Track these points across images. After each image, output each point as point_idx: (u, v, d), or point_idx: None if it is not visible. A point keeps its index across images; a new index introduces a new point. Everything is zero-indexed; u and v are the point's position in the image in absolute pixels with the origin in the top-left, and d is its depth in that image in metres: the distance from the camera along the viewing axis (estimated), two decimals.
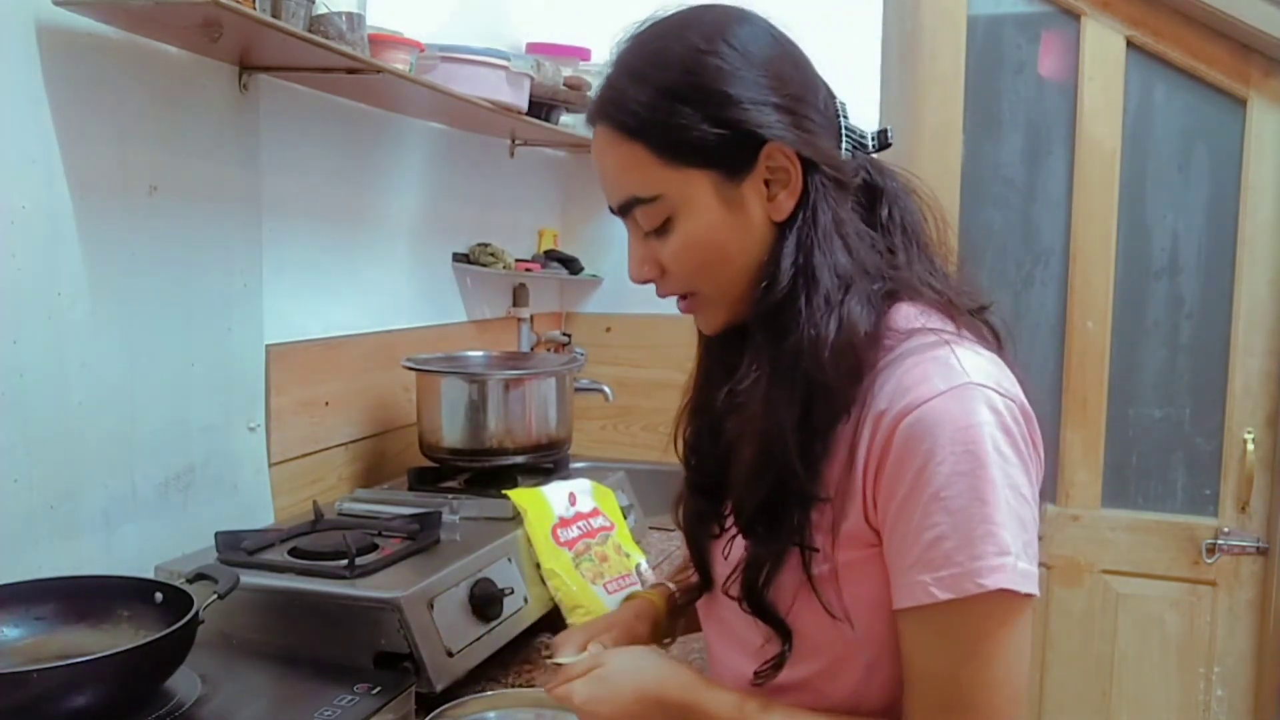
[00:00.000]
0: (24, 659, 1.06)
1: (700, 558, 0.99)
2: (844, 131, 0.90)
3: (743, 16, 0.88)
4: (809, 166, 0.85)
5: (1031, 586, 0.77)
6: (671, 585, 1.13)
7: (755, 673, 0.89)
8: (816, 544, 0.84)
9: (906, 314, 0.86)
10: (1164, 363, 2.35)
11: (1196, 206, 2.32)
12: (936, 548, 0.77)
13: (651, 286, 0.94)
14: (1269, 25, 2.15)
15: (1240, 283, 2.27)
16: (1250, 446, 2.27)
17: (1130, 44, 2.29)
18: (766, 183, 0.86)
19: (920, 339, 0.83)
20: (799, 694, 0.88)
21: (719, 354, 0.97)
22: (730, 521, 0.93)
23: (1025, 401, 0.82)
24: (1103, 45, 2.31)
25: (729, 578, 0.90)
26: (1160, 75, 2.30)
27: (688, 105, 0.84)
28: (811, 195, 0.86)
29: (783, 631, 0.87)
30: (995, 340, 0.89)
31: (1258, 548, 2.28)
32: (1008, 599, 0.77)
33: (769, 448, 0.83)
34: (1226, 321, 2.29)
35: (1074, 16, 2.33)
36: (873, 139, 0.93)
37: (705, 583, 0.99)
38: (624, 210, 0.90)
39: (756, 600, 0.87)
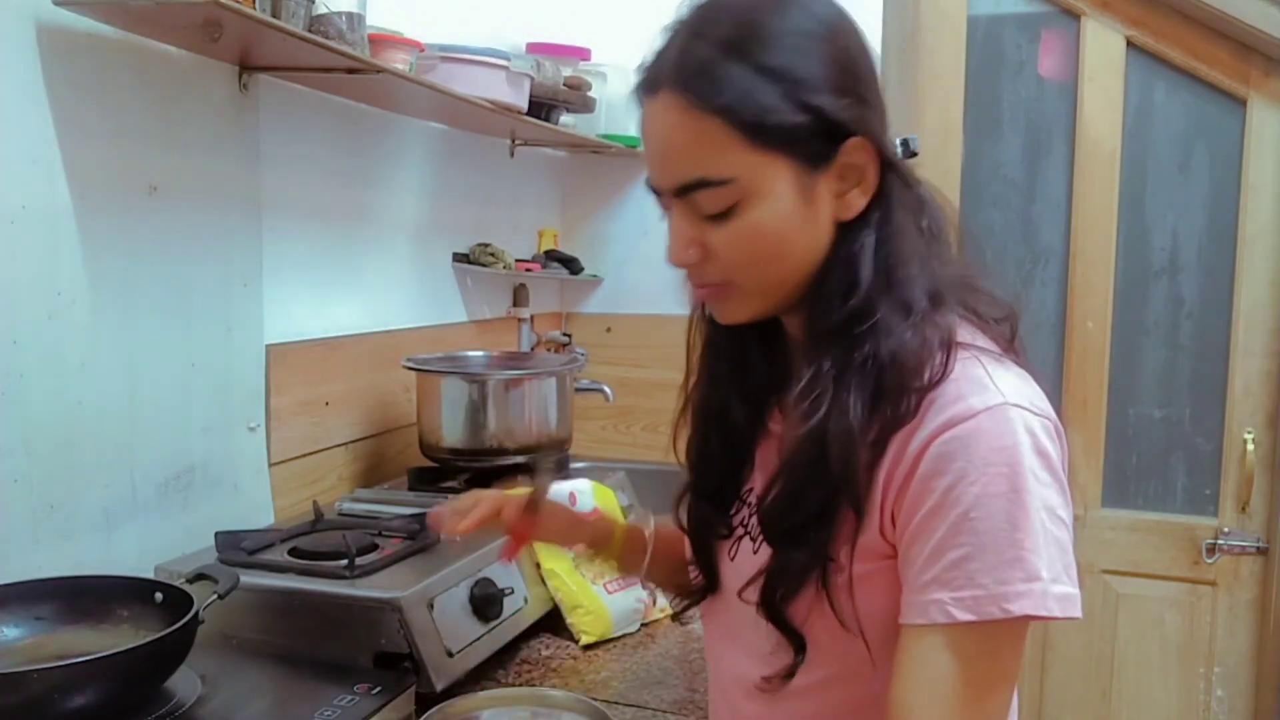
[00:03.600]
0: (24, 659, 1.06)
1: (705, 559, 0.97)
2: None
3: (829, 4, 0.83)
4: (886, 167, 0.82)
5: (1071, 610, 0.75)
6: (647, 530, 1.09)
7: (765, 678, 0.87)
8: (838, 556, 0.81)
9: (959, 329, 0.83)
10: (1164, 363, 2.35)
11: (1196, 206, 2.32)
12: (960, 568, 0.74)
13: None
14: (1269, 25, 2.15)
15: (1240, 283, 2.27)
16: (1250, 446, 2.27)
17: (1130, 44, 2.29)
18: (845, 178, 0.81)
19: (959, 356, 0.80)
20: (803, 700, 0.87)
21: (728, 351, 0.94)
22: (738, 524, 0.91)
23: (1057, 419, 0.80)
24: (1103, 45, 2.31)
25: (747, 584, 0.87)
26: (1160, 75, 2.30)
27: (780, 85, 0.77)
28: (889, 197, 0.82)
29: (797, 641, 0.85)
30: (1019, 350, 0.86)
31: (1258, 548, 2.28)
32: (1024, 625, 0.75)
33: (833, 454, 0.79)
34: (1226, 321, 2.29)
35: (1074, 16, 2.33)
36: (901, 145, 0.92)
37: (711, 584, 0.98)
38: (684, 191, 0.81)
39: (776, 609, 0.85)
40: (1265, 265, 2.25)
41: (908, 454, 0.78)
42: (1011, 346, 0.86)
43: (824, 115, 0.78)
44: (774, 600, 0.84)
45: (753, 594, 0.86)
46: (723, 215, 0.80)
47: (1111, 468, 2.38)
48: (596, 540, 1.08)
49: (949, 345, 0.80)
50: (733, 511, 0.93)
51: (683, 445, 0.98)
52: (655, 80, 0.81)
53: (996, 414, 0.76)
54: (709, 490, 0.96)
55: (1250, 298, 2.26)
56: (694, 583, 1.01)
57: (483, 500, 1.02)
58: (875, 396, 0.79)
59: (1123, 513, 2.38)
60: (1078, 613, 0.75)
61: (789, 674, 0.85)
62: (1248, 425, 2.28)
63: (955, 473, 0.75)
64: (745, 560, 0.89)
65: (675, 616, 1.09)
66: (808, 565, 0.82)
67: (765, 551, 0.86)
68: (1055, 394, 2.55)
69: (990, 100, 2.42)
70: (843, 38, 0.82)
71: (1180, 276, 2.34)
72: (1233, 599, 2.32)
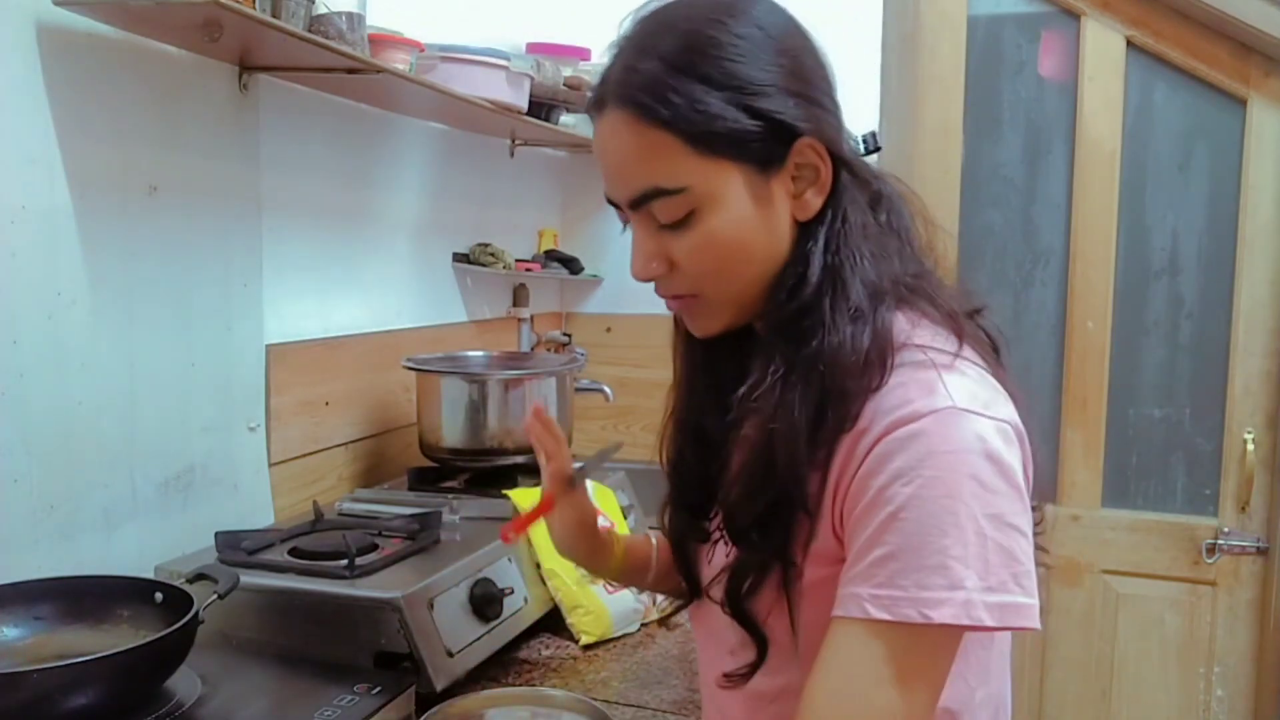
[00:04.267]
0: (24, 659, 1.06)
1: (687, 565, 0.98)
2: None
3: (773, 7, 0.84)
4: (838, 165, 0.82)
5: (1014, 619, 0.73)
6: (653, 540, 1.09)
7: (725, 674, 0.87)
8: (797, 559, 0.81)
9: (900, 327, 0.81)
10: (1164, 363, 2.35)
11: (1196, 206, 2.32)
12: (883, 566, 0.73)
13: (653, 287, 0.91)
14: (1269, 25, 2.15)
15: (1240, 283, 2.27)
16: (1250, 446, 2.27)
17: (1130, 44, 2.29)
18: (798, 179, 0.81)
19: (909, 356, 0.79)
20: (782, 703, 0.85)
21: (702, 360, 0.94)
22: (715, 528, 0.91)
23: (1018, 422, 0.78)
24: (1103, 45, 2.31)
25: (712, 581, 0.89)
26: (1160, 75, 2.30)
27: (723, 92, 0.78)
28: (841, 195, 0.82)
29: (758, 637, 0.85)
30: (991, 347, 0.86)
31: (1258, 548, 2.28)
32: (952, 633, 0.73)
33: (779, 453, 0.79)
34: (1226, 321, 2.29)
35: (1074, 16, 2.33)
36: (863, 141, 0.91)
37: (694, 590, 0.97)
38: (639, 202, 0.82)
39: (737, 605, 0.85)
40: (1265, 265, 2.25)
41: (855, 457, 0.77)
42: (983, 343, 0.85)
43: (770, 118, 0.79)
44: (736, 596, 0.85)
45: (717, 591, 0.87)
46: (680, 225, 0.81)
47: (1111, 468, 2.38)
48: (599, 550, 1.07)
49: (895, 346, 0.79)
50: (711, 515, 0.93)
51: (666, 458, 0.99)
52: (602, 98, 0.82)
53: (942, 417, 0.74)
54: (687, 497, 0.96)
55: (1250, 298, 2.26)
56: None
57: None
58: (820, 396, 0.79)
59: (1123, 513, 2.38)
60: (1026, 623, 0.73)
61: (750, 671, 0.86)
62: (1248, 425, 2.28)
63: (891, 472, 0.74)
64: (719, 562, 0.89)
65: (662, 621, 1.09)
66: (765, 564, 0.82)
67: (734, 553, 0.87)
68: (1055, 394, 2.55)
69: (990, 100, 2.42)
70: (787, 40, 0.82)
71: (1180, 276, 2.34)
72: (1233, 599, 2.32)
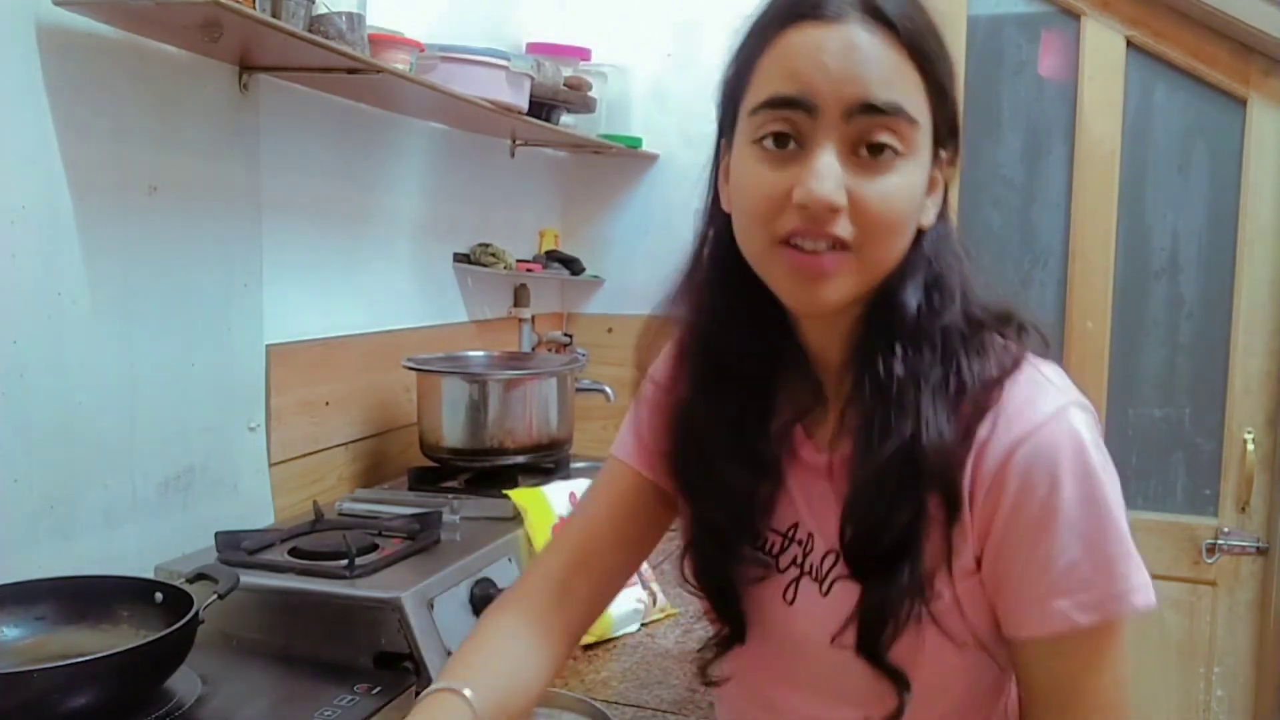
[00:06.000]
0: (24, 659, 1.06)
1: (732, 607, 0.89)
2: None
3: None
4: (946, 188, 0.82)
5: (1149, 600, 0.76)
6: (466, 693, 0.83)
7: None
8: (934, 582, 0.79)
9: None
10: (1164, 363, 2.35)
11: (1196, 206, 2.31)
12: (1073, 574, 0.75)
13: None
14: (1269, 25, 2.15)
15: (1240, 283, 2.27)
16: (1250, 446, 2.27)
17: (1130, 44, 2.29)
18: (935, 180, 0.80)
19: (1009, 363, 0.80)
20: None
21: (751, 374, 0.87)
22: (788, 564, 0.86)
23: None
24: (1103, 45, 2.31)
25: (841, 629, 0.81)
26: (1160, 75, 2.30)
27: (946, 75, 0.79)
28: (948, 215, 0.83)
29: (902, 682, 0.80)
30: (1045, 343, 0.84)
31: (1258, 548, 2.28)
32: (1119, 626, 0.77)
33: (933, 471, 0.76)
34: (1226, 321, 2.29)
35: (1074, 16, 2.33)
36: None
37: (738, 633, 0.90)
38: (872, 110, 0.74)
39: (876, 652, 0.80)
40: (1265, 265, 2.25)
41: (985, 466, 0.76)
42: (1039, 343, 0.84)
43: (955, 116, 0.80)
44: (875, 643, 0.80)
45: (848, 639, 0.81)
46: (882, 159, 0.75)
47: None
48: None
49: (1014, 358, 0.80)
50: (775, 551, 0.88)
51: (695, 474, 0.90)
52: (880, 11, 0.76)
53: (1065, 415, 0.76)
54: (733, 529, 0.88)
55: (1250, 298, 2.26)
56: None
57: None
58: (954, 408, 0.77)
59: None
60: (1153, 602, 0.77)
61: (896, 716, 0.81)
62: (1248, 425, 2.28)
63: (1048, 483, 0.74)
64: (814, 603, 0.84)
65: (706, 682, 0.95)
66: (903, 597, 0.78)
67: (841, 592, 0.82)
68: None
69: (990, 100, 2.42)
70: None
71: (1180, 276, 2.34)
72: (1233, 599, 2.32)
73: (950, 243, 0.82)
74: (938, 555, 0.78)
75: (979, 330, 0.80)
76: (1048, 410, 0.76)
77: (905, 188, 0.76)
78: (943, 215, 0.82)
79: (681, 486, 0.91)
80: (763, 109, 0.76)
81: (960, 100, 0.82)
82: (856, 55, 0.74)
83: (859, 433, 0.80)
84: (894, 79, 0.75)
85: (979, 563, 0.79)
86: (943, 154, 0.80)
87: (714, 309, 0.89)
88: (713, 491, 0.88)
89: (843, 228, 0.75)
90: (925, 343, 0.79)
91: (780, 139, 0.76)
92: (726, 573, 0.89)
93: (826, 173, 0.74)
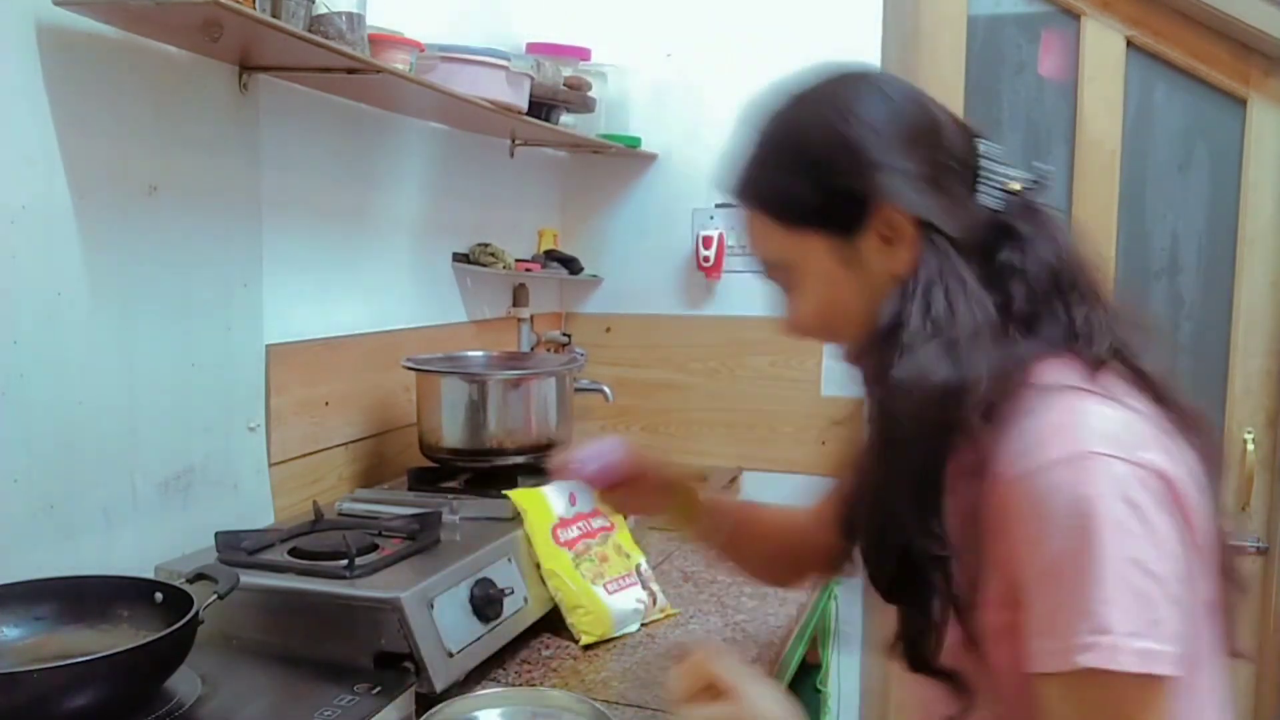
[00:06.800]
0: (24, 659, 1.06)
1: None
2: (987, 175, 0.91)
3: (857, 80, 0.92)
4: (921, 223, 0.86)
5: (1152, 665, 0.73)
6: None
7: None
8: (964, 601, 0.83)
9: (1047, 368, 0.84)
10: (1164, 363, 2.34)
11: (1196, 206, 2.32)
12: (1050, 619, 0.77)
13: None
14: (1269, 25, 2.15)
15: (1240, 283, 2.27)
16: (1250, 446, 2.27)
17: (1130, 44, 2.29)
18: (885, 239, 0.87)
19: (1050, 397, 0.81)
20: None
21: None
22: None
23: (1167, 466, 0.78)
24: (1103, 45, 2.31)
25: (892, 645, 0.88)
26: (1160, 75, 2.30)
27: (797, 174, 0.89)
28: (929, 248, 0.86)
29: (958, 686, 0.85)
30: (1149, 385, 0.87)
31: (1258, 548, 2.28)
32: (1141, 681, 0.74)
33: (882, 504, 0.85)
34: (1226, 321, 2.29)
35: (1074, 16, 2.33)
36: (1028, 181, 0.93)
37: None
38: (763, 273, 0.97)
39: (925, 667, 0.86)
40: (1265, 265, 2.25)
41: (996, 497, 0.80)
42: (1134, 382, 0.86)
43: (844, 191, 0.87)
44: (918, 657, 0.86)
45: (898, 655, 0.88)
46: (791, 290, 0.94)
47: None
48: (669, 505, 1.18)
49: (1027, 385, 0.82)
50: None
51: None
52: (729, 191, 0.96)
53: (1077, 463, 0.76)
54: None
55: (1250, 298, 2.26)
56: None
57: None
58: (895, 439, 0.84)
59: None
60: (1162, 669, 0.74)
61: (962, 715, 0.86)
62: (1248, 425, 2.28)
63: (1037, 525, 0.77)
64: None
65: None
66: (932, 618, 0.83)
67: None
68: None
69: (990, 100, 2.42)
70: (866, 112, 0.88)
71: (1180, 276, 2.34)
72: None
73: (933, 279, 0.86)
74: (966, 577, 0.82)
75: (983, 361, 0.82)
76: (1054, 454, 0.77)
77: (812, 293, 0.92)
78: (922, 257, 0.87)
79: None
80: None
81: (850, 162, 0.88)
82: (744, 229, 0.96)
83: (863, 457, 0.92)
84: (753, 239, 0.95)
85: (1007, 592, 0.81)
86: (876, 213, 0.87)
87: None
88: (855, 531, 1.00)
89: (815, 340, 0.98)
90: (878, 382, 0.87)
91: None
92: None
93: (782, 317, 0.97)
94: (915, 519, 0.82)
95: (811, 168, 0.88)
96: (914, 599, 0.84)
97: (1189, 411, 0.87)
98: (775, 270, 0.94)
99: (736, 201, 0.95)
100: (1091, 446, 0.77)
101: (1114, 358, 0.87)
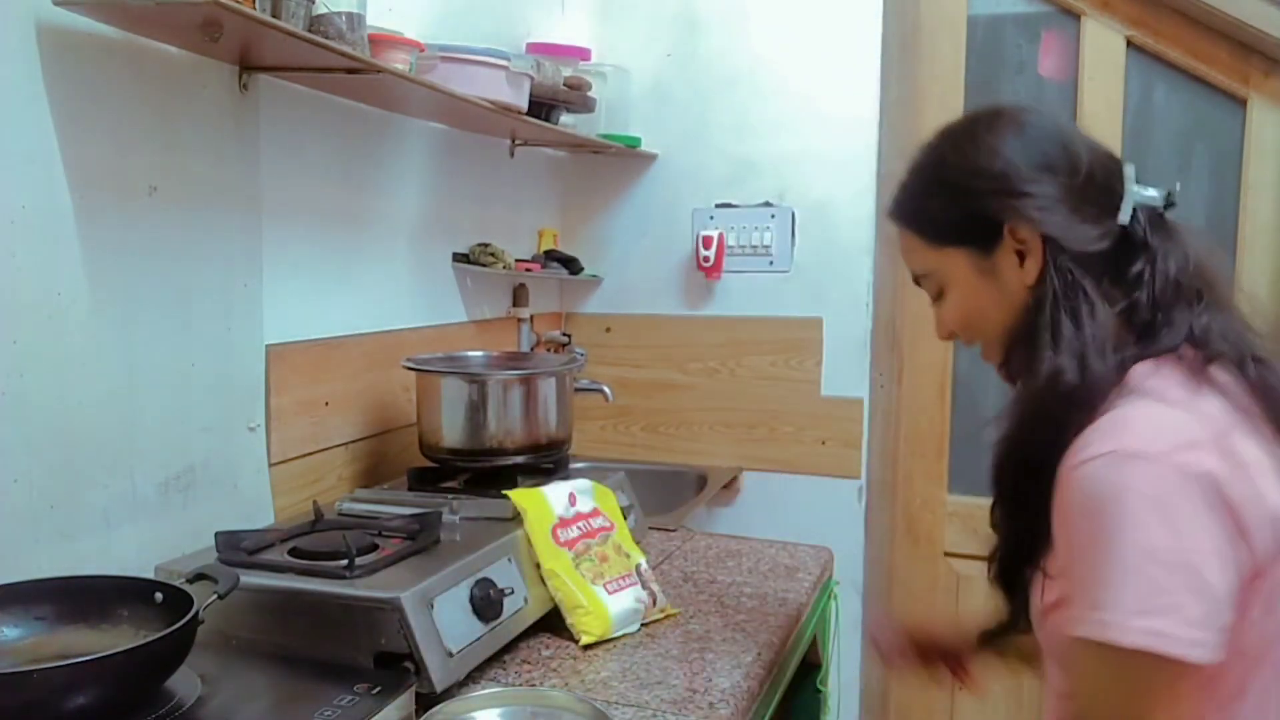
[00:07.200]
0: (24, 659, 1.06)
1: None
2: (1127, 196, 1.01)
3: (996, 115, 1.05)
4: (1048, 240, 0.98)
5: (1157, 644, 0.82)
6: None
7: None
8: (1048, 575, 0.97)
9: (1140, 372, 0.95)
10: None
11: (1196, 206, 2.32)
12: (1075, 592, 0.88)
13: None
14: (1269, 25, 2.15)
15: (1240, 282, 2.27)
16: None
17: (1130, 44, 2.29)
18: (1019, 254, 1.01)
19: (1125, 398, 0.92)
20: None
21: None
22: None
23: (1215, 467, 0.85)
24: (1103, 45, 2.31)
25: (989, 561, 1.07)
26: (1160, 75, 2.30)
27: (938, 197, 1.05)
28: (1053, 263, 0.98)
29: (1014, 602, 1.05)
30: (1247, 387, 0.95)
31: None
32: (1139, 658, 0.83)
33: (1010, 477, 1.00)
34: None
35: (1074, 16, 2.33)
36: (1162, 200, 1.04)
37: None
38: (916, 283, 1.12)
39: (1004, 579, 1.06)
40: (1265, 265, 2.25)
41: (1057, 488, 0.91)
42: (1230, 386, 0.94)
43: (981, 212, 1.02)
44: (1003, 571, 1.05)
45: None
46: (939, 298, 1.09)
47: None
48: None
49: (1120, 389, 0.93)
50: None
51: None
52: (887, 212, 1.13)
53: (1110, 459, 0.86)
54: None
55: (1250, 298, 2.26)
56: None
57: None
58: (1032, 427, 0.97)
59: None
60: (1169, 649, 0.82)
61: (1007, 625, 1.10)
62: None
63: (1075, 507, 0.89)
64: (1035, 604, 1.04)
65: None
66: (1020, 546, 1.01)
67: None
68: None
69: (990, 100, 2.41)
70: (1004, 143, 1.02)
71: None
72: None
73: (1056, 292, 0.98)
74: (1040, 539, 0.95)
75: (1090, 364, 0.94)
76: (1096, 450, 0.88)
77: (956, 301, 1.07)
78: (1048, 270, 0.99)
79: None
80: None
81: (984, 187, 1.02)
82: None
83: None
84: (905, 255, 1.11)
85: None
86: (1007, 229, 1.01)
87: None
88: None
89: (963, 341, 1.11)
90: (1023, 374, 1.02)
91: None
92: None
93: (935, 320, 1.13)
94: (1035, 505, 0.94)
95: (950, 192, 1.04)
96: (1014, 584, 1.02)
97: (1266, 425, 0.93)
98: (924, 280, 1.10)
99: (891, 220, 1.11)
100: (1130, 445, 0.86)
101: (1222, 361, 0.95)
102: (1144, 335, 0.97)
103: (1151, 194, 1.02)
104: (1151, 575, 0.83)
